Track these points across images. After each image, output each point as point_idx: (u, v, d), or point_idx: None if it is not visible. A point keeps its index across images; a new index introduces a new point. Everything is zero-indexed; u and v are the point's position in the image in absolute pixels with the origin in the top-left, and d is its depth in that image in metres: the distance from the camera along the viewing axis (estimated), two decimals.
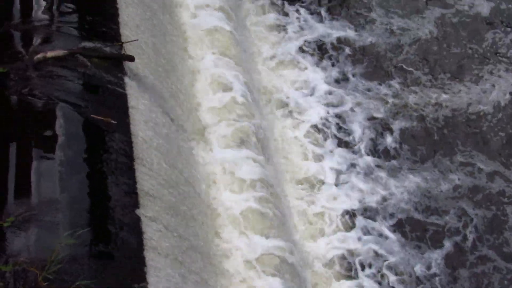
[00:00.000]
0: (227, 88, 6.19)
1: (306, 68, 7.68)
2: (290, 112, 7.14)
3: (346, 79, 7.70)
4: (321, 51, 7.95)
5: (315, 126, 7.09)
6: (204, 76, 6.27)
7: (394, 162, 6.93)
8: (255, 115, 6.24)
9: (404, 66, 7.91)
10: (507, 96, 7.73)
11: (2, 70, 4.37)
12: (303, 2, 8.44)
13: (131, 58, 4.89)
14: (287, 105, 7.21)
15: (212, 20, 6.91)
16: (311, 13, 8.33)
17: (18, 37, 4.83)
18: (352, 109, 7.36)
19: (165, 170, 4.63)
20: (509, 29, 8.55)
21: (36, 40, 4.79)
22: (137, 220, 3.97)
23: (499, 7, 8.73)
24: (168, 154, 4.80)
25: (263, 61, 7.62)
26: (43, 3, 5.15)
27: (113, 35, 5.14)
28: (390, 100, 7.52)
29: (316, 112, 7.22)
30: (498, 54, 8.24)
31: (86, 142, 4.33)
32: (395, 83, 7.71)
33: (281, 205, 5.81)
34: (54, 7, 5.15)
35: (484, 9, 8.68)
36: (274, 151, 6.56)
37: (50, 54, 4.47)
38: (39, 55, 4.45)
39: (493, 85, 7.84)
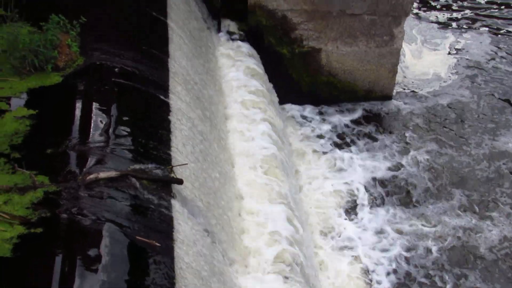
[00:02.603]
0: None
1: None
2: None
3: None
4: None
5: None
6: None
7: None
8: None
9: None
10: None
11: (56, 188, 4.50)
12: None
13: (180, 181, 4.97)
14: None
15: None
16: None
17: (74, 157, 4.99)
18: None
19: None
20: None
21: (91, 161, 4.95)
22: None
23: None
24: (209, 279, 4.74)
25: None
26: (101, 125, 5.39)
27: (164, 159, 5.29)
28: None
29: None
30: None
31: (129, 263, 4.33)
32: None
33: None
34: (111, 130, 5.36)
35: None
36: None
37: (102, 175, 4.60)
38: (91, 176, 4.58)
39: None
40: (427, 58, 11.29)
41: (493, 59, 11.40)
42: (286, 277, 5.72)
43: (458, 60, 11.33)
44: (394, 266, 7.40)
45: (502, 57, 11.44)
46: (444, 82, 10.74)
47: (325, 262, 7.23)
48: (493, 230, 7.96)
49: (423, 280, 7.31)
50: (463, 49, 11.65)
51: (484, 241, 7.80)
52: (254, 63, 8.32)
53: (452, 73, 10.96)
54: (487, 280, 7.34)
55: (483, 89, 10.59)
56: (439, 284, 7.28)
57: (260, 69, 8.41)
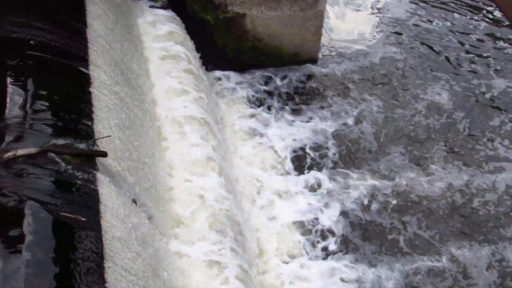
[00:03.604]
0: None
1: None
2: None
3: None
4: None
5: None
6: None
7: None
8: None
9: None
10: None
11: None
12: None
13: (104, 154, 4.86)
14: None
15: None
16: None
17: None
18: None
19: (138, 269, 4.50)
20: None
21: (8, 138, 4.75)
22: None
23: None
24: (141, 251, 4.68)
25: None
26: (18, 101, 5.16)
27: (86, 132, 5.14)
28: None
29: None
30: None
31: (55, 241, 4.21)
32: None
33: None
34: (28, 105, 5.16)
35: None
36: None
37: (20, 152, 4.43)
38: (9, 153, 4.41)
39: None
40: (350, 19, 11.42)
41: (413, 16, 11.72)
42: (221, 242, 5.74)
43: (380, 19, 11.54)
44: (337, 219, 7.62)
45: (421, 14, 11.74)
46: (370, 41, 10.91)
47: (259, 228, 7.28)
48: (434, 182, 8.33)
49: (369, 227, 7.64)
50: (384, 7, 11.88)
51: (426, 191, 8.19)
52: (177, 30, 8.17)
53: (376, 32, 11.15)
54: (429, 226, 7.73)
55: (408, 45, 10.87)
56: (386, 230, 7.64)
57: (184, 36, 8.28)
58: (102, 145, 5.05)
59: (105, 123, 5.37)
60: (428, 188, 8.20)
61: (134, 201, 5.13)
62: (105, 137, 5.05)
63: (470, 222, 7.82)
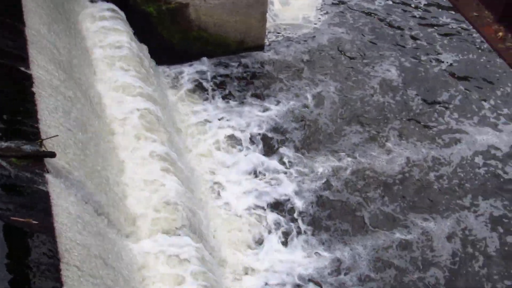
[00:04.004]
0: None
1: None
2: None
3: None
4: None
5: None
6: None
7: None
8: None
9: None
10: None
11: None
12: None
13: (52, 155, 4.69)
14: None
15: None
16: None
17: None
18: None
19: (95, 269, 4.36)
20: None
21: None
22: None
23: None
24: (98, 251, 4.54)
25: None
26: None
27: (32, 133, 4.95)
28: None
29: None
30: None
31: (7, 246, 4.03)
32: None
33: None
34: None
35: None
36: None
37: None
38: None
39: None
40: (294, 3, 11.42)
41: None
42: (177, 235, 5.64)
43: (323, 1, 11.56)
44: (300, 199, 7.67)
45: None
46: (315, 24, 10.95)
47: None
48: (392, 158, 8.47)
49: (335, 206, 7.76)
50: None
51: (384, 168, 8.32)
52: (119, 24, 7.96)
53: (321, 14, 11.18)
54: (392, 201, 7.89)
55: (353, 25, 10.98)
56: (350, 207, 7.78)
57: (126, 30, 8.06)
58: (49, 146, 4.86)
59: (51, 122, 5.18)
60: (387, 165, 8.28)
61: (86, 201, 4.98)
62: (52, 137, 4.88)
63: (430, 195, 7.97)
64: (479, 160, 8.55)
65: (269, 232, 7.21)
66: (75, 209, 4.59)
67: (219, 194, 7.48)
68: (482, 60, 10.50)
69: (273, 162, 8.14)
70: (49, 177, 4.61)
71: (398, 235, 7.44)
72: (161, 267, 5.16)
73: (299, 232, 7.33)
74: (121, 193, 5.67)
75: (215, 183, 7.64)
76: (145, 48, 8.67)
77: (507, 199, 7.96)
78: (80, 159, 5.27)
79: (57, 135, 4.99)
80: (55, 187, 4.58)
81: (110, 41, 7.66)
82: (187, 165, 7.39)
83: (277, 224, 7.34)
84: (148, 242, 5.32)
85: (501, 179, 8.26)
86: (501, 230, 7.63)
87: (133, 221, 5.50)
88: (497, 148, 8.75)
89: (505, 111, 9.47)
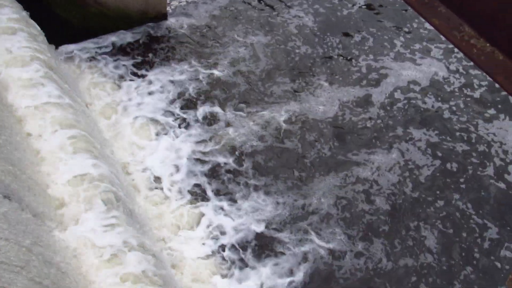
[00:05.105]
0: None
1: None
2: None
3: None
4: None
5: None
6: None
7: None
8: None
9: None
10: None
11: None
12: None
13: None
14: None
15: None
16: None
17: None
18: None
19: (20, 260, 3.89)
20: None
21: None
22: None
23: None
24: (22, 242, 4.06)
25: None
26: None
27: None
28: None
29: None
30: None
31: None
32: None
33: None
34: None
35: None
36: None
37: None
38: None
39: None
40: None
41: None
42: (108, 218, 5.26)
43: None
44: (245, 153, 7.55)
45: None
46: None
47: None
48: (322, 103, 8.50)
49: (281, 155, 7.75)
50: None
51: (317, 113, 8.37)
52: (10, 4, 7.28)
53: None
54: (337, 145, 7.96)
55: None
56: (296, 154, 7.78)
57: (19, 10, 7.41)
58: None
59: None
60: (320, 111, 8.28)
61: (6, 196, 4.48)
62: None
63: (367, 133, 7.90)
64: (408, 93, 8.71)
65: None
66: None
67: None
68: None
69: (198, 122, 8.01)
70: None
71: (345, 172, 7.36)
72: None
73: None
74: (42, 182, 5.16)
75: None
76: (40, 30, 7.97)
77: (438, 128, 8.08)
78: None
79: None
80: None
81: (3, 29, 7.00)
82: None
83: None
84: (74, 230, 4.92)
85: (429, 111, 8.41)
86: (440, 154, 7.69)
87: (58, 209, 5.06)
88: (418, 82, 8.88)
89: (417, 46, 9.53)
